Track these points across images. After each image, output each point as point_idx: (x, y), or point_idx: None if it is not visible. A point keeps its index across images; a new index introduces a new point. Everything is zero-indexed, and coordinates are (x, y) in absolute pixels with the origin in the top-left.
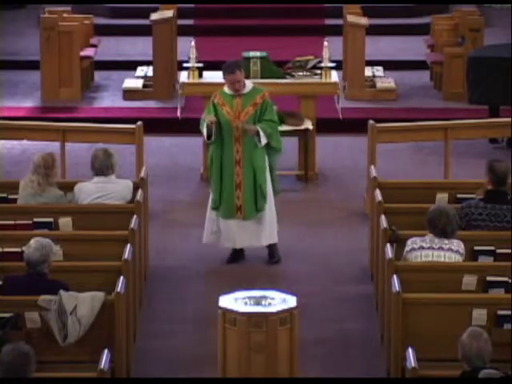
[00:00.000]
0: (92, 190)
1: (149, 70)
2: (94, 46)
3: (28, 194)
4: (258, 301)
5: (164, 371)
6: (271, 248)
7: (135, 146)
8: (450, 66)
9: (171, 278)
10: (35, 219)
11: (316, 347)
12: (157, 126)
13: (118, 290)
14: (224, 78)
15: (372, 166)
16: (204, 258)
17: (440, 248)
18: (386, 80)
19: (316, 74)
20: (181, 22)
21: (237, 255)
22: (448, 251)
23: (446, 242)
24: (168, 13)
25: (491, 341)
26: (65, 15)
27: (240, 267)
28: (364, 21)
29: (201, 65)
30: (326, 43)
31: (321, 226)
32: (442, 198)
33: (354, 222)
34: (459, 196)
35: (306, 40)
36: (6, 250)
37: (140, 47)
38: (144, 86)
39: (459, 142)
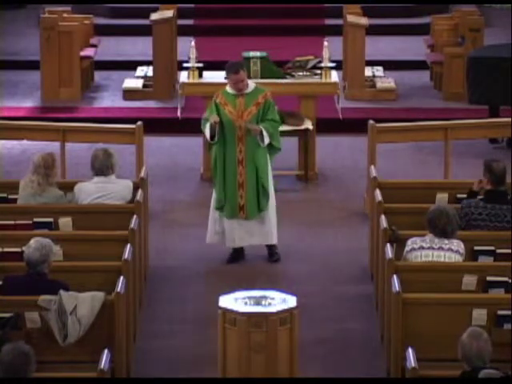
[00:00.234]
0: (92, 190)
1: (149, 70)
2: (94, 45)
3: (28, 193)
4: (257, 301)
5: (164, 371)
6: (271, 247)
7: (135, 146)
8: (450, 66)
9: (171, 278)
10: (35, 219)
11: (316, 347)
12: (157, 126)
13: (118, 290)
14: (227, 78)
15: (372, 166)
16: (204, 257)
17: (440, 248)
18: (386, 80)
19: (316, 74)
20: (181, 21)
21: (237, 255)
22: (448, 251)
23: (446, 241)
24: (168, 13)
25: (491, 341)
26: (65, 15)
27: (240, 267)
28: (364, 21)
29: (201, 65)
30: (326, 43)
31: (321, 226)
32: (442, 197)
33: (354, 222)
34: (459, 196)
35: (306, 40)
36: (6, 249)
37: (140, 47)
38: (144, 86)
39: (459, 142)
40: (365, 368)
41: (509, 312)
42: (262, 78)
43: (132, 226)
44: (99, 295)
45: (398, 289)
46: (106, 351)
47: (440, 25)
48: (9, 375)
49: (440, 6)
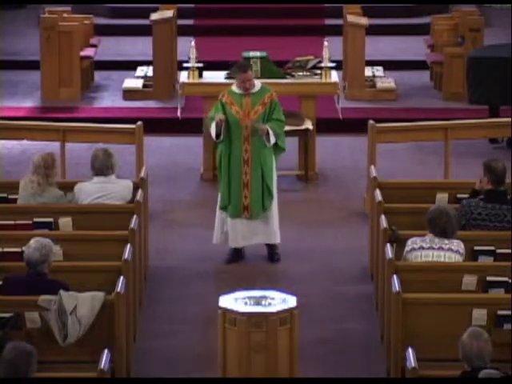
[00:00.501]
0: (92, 190)
1: (149, 70)
2: (94, 45)
3: (28, 194)
4: (257, 301)
5: (164, 371)
6: (271, 247)
7: (135, 146)
8: (450, 66)
9: (171, 278)
10: (35, 219)
11: (316, 347)
12: (157, 126)
13: (118, 290)
14: (235, 77)
15: (372, 166)
16: (204, 257)
17: (440, 248)
18: (386, 80)
19: (316, 74)
20: (181, 21)
21: (237, 255)
22: (448, 251)
23: (446, 241)
24: (168, 13)
25: (491, 341)
26: (65, 15)
27: (240, 267)
28: (364, 21)
29: (201, 65)
30: (326, 43)
31: (321, 226)
32: (441, 197)
33: (354, 222)
34: (459, 196)
35: (306, 40)
36: (6, 250)
37: (140, 47)
38: (144, 86)
39: (459, 142)
40: (365, 368)
41: (509, 312)
42: (261, 77)
43: (132, 226)
44: (99, 295)
45: (398, 289)
46: (106, 351)
47: (440, 25)
48: (10, 373)
49: (440, 6)
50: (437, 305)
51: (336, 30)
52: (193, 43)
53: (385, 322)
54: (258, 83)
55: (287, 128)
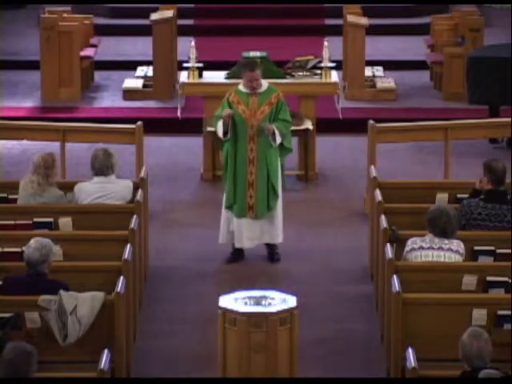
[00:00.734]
0: (92, 190)
1: (149, 70)
2: (94, 45)
3: (28, 194)
4: (258, 301)
5: (164, 371)
6: (271, 247)
7: (135, 146)
8: (450, 66)
9: (171, 278)
10: (35, 219)
11: (316, 347)
12: (157, 126)
13: (118, 290)
14: (242, 75)
15: (372, 166)
16: (204, 257)
17: (440, 248)
18: (386, 80)
19: (316, 74)
20: (181, 21)
21: (237, 255)
22: (448, 251)
23: (446, 241)
24: (168, 13)
25: (491, 341)
26: (65, 15)
27: (240, 267)
28: (364, 21)
29: (201, 65)
30: (326, 43)
31: (321, 226)
32: (441, 197)
33: (354, 222)
34: (459, 196)
35: (306, 40)
36: (6, 250)
37: (140, 47)
38: (144, 85)
39: (459, 142)
40: (365, 368)
41: (509, 312)
42: (262, 78)
43: (132, 226)
44: (99, 295)
45: (398, 289)
46: (106, 351)
47: (440, 25)
48: (10, 373)
49: (440, 6)
50: (437, 305)
51: (336, 30)
52: (193, 43)
53: (385, 322)
54: (264, 83)
55: None
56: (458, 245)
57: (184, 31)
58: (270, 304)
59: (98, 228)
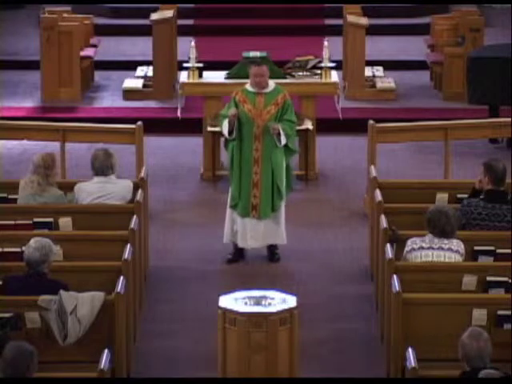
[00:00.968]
0: (92, 190)
1: (149, 70)
2: (94, 46)
3: (28, 194)
4: (258, 301)
5: (164, 371)
6: (272, 247)
7: (135, 146)
8: (450, 66)
9: (171, 278)
10: (35, 219)
11: (316, 347)
12: (157, 126)
13: (118, 290)
14: (249, 71)
15: (372, 166)
16: (204, 258)
17: (440, 248)
18: (386, 80)
19: (316, 74)
20: (181, 21)
21: (239, 255)
22: (448, 251)
23: (446, 241)
24: (168, 13)
25: (491, 341)
26: (65, 15)
27: (240, 267)
28: (364, 21)
29: (201, 65)
30: (326, 43)
31: (321, 226)
32: (441, 197)
33: (354, 222)
34: (459, 196)
35: (306, 40)
36: (6, 250)
37: (140, 47)
38: (144, 85)
39: (459, 142)
40: (365, 368)
41: (509, 312)
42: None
43: (132, 226)
44: (99, 295)
45: (398, 289)
46: (106, 351)
47: (440, 25)
48: (10, 373)
49: (440, 6)
50: (437, 305)
51: (336, 30)
52: (193, 43)
53: (385, 321)
54: (271, 83)
55: None
56: (457, 245)
57: (184, 31)
58: (270, 304)
59: (98, 228)
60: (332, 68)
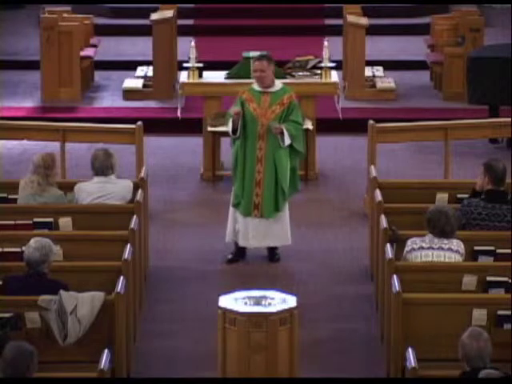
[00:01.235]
0: (92, 190)
1: (149, 70)
2: (94, 46)
3: (28, 194)
4: (258, 301)
5: (164, 371)
6: (272, 247)
7: (135, 146)
8: (450, 66)
9: (171, 278)
10: (35, 219)
11: (316, 347)
12: (157, 126)
13: (118, 290)
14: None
15: (372, 166)
16: (204, 258)
17: (440, 248)
18: (386, 80)
19: (316, 74)
20: (181, 21)
21: (239, 254)
22: (448, 251)
23: (446, 241)
24: (168, 13)
25: (491, 341)
26: (65, 15)
27: (240, 267)
28: (364, 21)
29: (201, 65)
30: (326, 43)
31: (321, 226)
32: (441, 197)
33: (354, 222)
34: (459, 196)
35: (306, 40)
36: (6, 250)
37: (140, 47)
38: (144, 85)
39: (459, 142)
40: (365, 368)
41: (509, 312)
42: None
43: (132, 226)
44: (99, 295)
45: (398, 289)
46: (106, 351)
47: (440, 25)
48: (10, 373)
49: (440, 6)
50: (437, 305)
51: (336, 30)
52: (193, 43)
53: (385, 322)
54: (278, 83)
55: None
56: (457, 244)
57: (184, 31)
58: (270, 304)
59: (98, 228)
60: (332, 68)
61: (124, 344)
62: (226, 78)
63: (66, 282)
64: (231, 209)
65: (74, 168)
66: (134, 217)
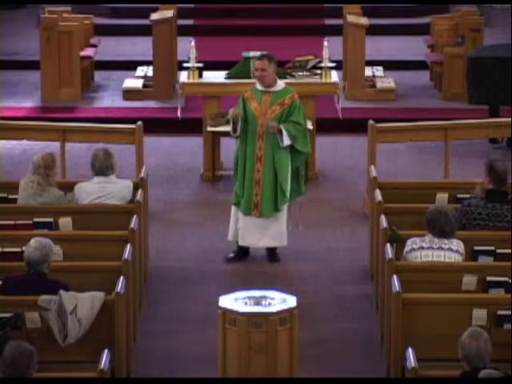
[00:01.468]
0: (92, 190)
1: (149, 70)
2: (94, 46)
3: (28, 194)
4: (258, 301)
5: (164, 371)
6: (272, 247)
7: (135, 146)
8: (450, 66)
9: (171, 278)
10: (35, 219)
11: (316, 347)
12: (157, 126)
13: (118, 290)
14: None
15: (372, 166)
16: (204, 258)
17: (440, 248)
18: (386, 80)
19: (316, 74)
20: (181, 21)
21: (242, 253)
22: (448, 251)
23: (446, 241)
24: (168, 13)
25: (491, 341)
26: (65, 15)
27: (240, 267)
28: (364, 21)
29: (201, 65)
30: (325, 43)
31: (321, 226)
32: (441, 197)
33: (354, 222)
34: (459, 196)
35: (306, 40)
36: (6, 250)
37: (140, 47)
38: (144, 85)
39: (459, 142)
40: (365, 368)
41: (509, 312)
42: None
43: (132, 226)
44: (99, 295)
45: (398, 289)
46: (106, 351)
47: (440, 25)
48: (10, 373)
49: (440, 6)
50: (437, 305)
51: (336, 30)
52: (193, 43)
53: (385, 321)
54: (281, 83)
55: None
56: (457, 244)
57: (184, 31)
58: (269, 304)
59: (98, 228)
60: (332, 68)
61: (124, 344)
62: (225, 78)
63: (66, 282)
64: (233, 208)
65: (73, 168)
66: (134, 217)
